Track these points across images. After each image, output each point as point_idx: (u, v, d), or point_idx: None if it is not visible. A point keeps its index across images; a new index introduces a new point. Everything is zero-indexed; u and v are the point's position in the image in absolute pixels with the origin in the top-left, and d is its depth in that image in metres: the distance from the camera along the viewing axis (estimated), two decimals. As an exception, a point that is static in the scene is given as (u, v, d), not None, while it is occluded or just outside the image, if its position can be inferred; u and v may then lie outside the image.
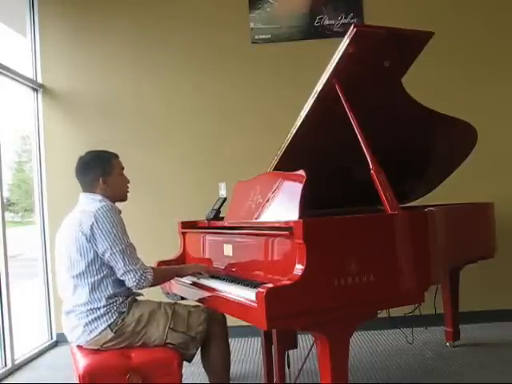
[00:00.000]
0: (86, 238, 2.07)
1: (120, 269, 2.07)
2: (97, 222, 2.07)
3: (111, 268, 2.10)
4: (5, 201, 3.56)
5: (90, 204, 2.17)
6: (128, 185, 2.35)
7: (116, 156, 2.33)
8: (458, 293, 3.31)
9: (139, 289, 2.12)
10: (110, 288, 2.10)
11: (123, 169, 2.35)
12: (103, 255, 2.07)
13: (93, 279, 2.08)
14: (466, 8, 3.95)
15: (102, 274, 2.09)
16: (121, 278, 2.09)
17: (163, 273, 2.28)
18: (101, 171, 2.24)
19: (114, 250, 2.06)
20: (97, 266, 2.09)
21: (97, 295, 2.08)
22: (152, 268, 2.15)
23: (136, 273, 2.07)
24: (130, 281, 2.07)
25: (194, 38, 4.05)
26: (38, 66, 4.12)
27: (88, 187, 2.26)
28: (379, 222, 1.92)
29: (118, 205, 2.30)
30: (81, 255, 2.08)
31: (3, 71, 3.67)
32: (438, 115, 2.54)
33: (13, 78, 3.83)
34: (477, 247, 2.85)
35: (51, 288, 4.04)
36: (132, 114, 4.09)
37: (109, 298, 2.09)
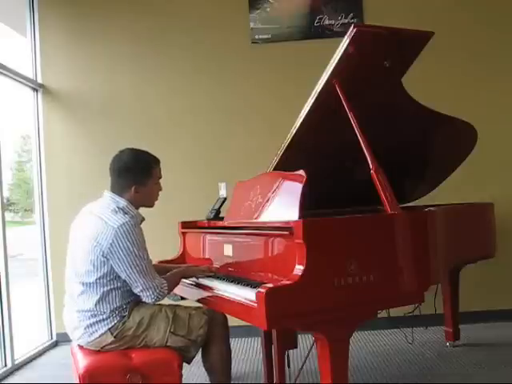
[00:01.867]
0: (103, 254, 2.01)
1: (138, 286, 2.04)
2: (117, 241, 2.00)
3: (123, 281, 2.07)
4: (5, 201, 3.56)
5: (112, 214, 2.07)
6: (159, 192, 2.29)
7: (157, 163, 2.25)
8: (458, 293, 3.31)
9: (156, 302, 2.10)
10: (117, 300, 2.07)
11: (160, 177, 2.27)
12: (121, 273, 2.04)
13: (102, 289, 2.05)
14: (466, 8, 3.95)
15: (111, 286, 2.06)
16: (138, 294, 2.07)
17: (173, 280, 2.22)
18: (136, 179, 2.16)
19: (134, 270, 2.02)
20: (108, 279, 2.05)
21: (103, 306, 2.06)
22: (165, 278, 2.13)
23: (154, 290, 2.05)
24: (149, 297, 2.06)
25: (194, 37, 4.05)
26: (38, 66, 4.12)
27: (117, 189, 2.17)
28: (379, 222, 1.92)
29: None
30: (94, 267, 2.04)
31: (3, 71, 3.67)
32: (438, 115, 2.55)
33: (13, 78, 3.83)
34: (477, 247, 2.85)
35: (51, 288, 4.04)
36: (132, 114, 4.09)
37: (114, 309, 2.07)
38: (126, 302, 2.10)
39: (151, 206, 2.29)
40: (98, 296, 2.05)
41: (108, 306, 2.06)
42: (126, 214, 2.10)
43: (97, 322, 2.06)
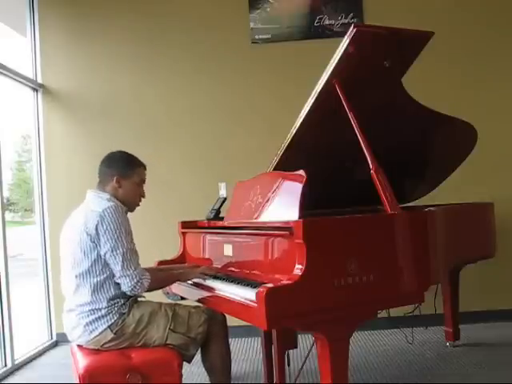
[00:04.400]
0: (91, 238, 2.06)
1: (117, 272, 2.06)
2: (102, 222, 2.05)
3: None
4: (5, 201, 3.56)
5: (97, 203, 2.15)
6: (142, 199, 2.33)
7: (142, 166, 2.31)
8: (458, 293, 3.31)
9: (133, 294, 2.10)
10: (112, 289, 2.09)
11: (144, 182, 2.32)
12: (104, 256, 2.07)
13: (95, 279, 2.08)
14: (466, 8, 3.95)
15: (104, 275, 2.08)
16: (117, 281, 2.09)
17: (162, 279, 2.25)
18: (119, 171, 2.23)
19: (115, 253, 2.05)
20: (100, 267, 2.08)
21: (99, 296, 2.08)
22: (151, 273, 2.13)
23: (132, 278, 2.06)
24: (125, 285, 2.06)
25: (194, 37, 4.05)
26: (38, 66, 4.12)
27: (101, 182, 2.25)
28: (379, 222, 1.92)
29: None
30: (85, 254, 2.08)
31: (3, 71, 3.67)
32: (438, 115, 2.55)
33: (13, 78, 3.83)
34: (477, 247, 2.85)
35: (51, 288, 4.04)
36: (132, 114, 4.09)
37: (111, 299, 2.09)
38: (121, 292, 2.10)
39: (131, 209, 2.31)
40: (93, 286, 2.07)
41: (104, 297, 2.08)
42: (109, 201, 2.15)
43: (96, 319, 2.07)
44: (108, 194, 2.21)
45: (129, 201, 2.27)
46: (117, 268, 2.06)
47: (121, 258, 2.05)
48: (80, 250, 2.08)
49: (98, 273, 2.08)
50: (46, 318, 4.07)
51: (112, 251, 2.05)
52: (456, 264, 2.92)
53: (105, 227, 2.05)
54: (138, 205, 2.33)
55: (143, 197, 2.34)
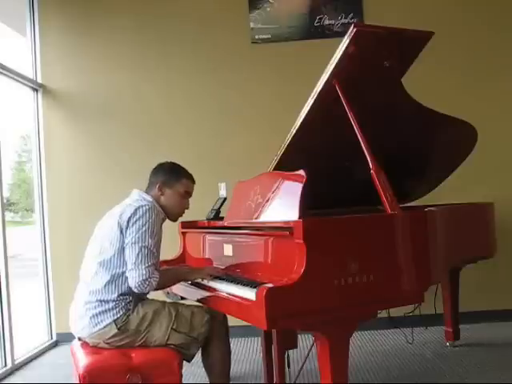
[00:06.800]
0: (121, 229, 2.11)
1: (130, 264, 2.08)
2: (133, 216, 2.11)
3: None
4: (5, 201, 3.56)
5: (138, 200, 2.23)
6: (185, 210, 2.39)
7: (190, 178, 2.38)
8: (458, 293, 3.31)
9: (139, 291, 2.09)
10: (126, 285, 2.10)
11: (190, 195, 2.39)
12: (125, 246, 2.10)
13: (114, 271, 2.10)
14: (466, 8, 3.96)
15: (123, 269, 2.10)
16: (126, 274, 2.09)
17: (169, 278, 2.25)
18: (163, 179, 2.30)
19: (134, 246, 2.08)
20: (121, 260, 2.11)
21: (111, 288, 2.10)
22: (160, 272, 2.14)
23: (141, 274, 2.05)
24: (133, 280, 2.06)
25: (194, 37, 4.06)
26: (38, 66, 4.12)
27: (148, 188, 2.33)
28: (379, 222, 1.92)
29: None
30: (110, 243, 2.12)
31: (3, 71, 3.67)
32: (438, 115, 2.54)
33: (13, 78, 3.83)
34: (477, 247, 2.85)
35: (51, 288, 4.05)
36: (132, 114, 4.09)
37: (121, 294, 2.11)
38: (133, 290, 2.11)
39: (173, 219, 2.39)
40: (109, 276, 2.10)
41: (116, 289, 2.10)
42: (149, 203, 2.22)
43: (103, 311, 2.08)
44: (152, 198, 2.27)
45: (170, 209, 2.33)
46: (130, 260, 2.08)
47: (137, 252, 2.07)
48: (107, 239, 2.14)
49: (117, 264, 2.11)
50: (46, 318, 4.07)
51: (132, 243, 2.08)
52: (456, 264, 2.93)
53: (134, 220, 2.11)
54: (181, 215, 2.40)
55: (187, 208, 2.39)
